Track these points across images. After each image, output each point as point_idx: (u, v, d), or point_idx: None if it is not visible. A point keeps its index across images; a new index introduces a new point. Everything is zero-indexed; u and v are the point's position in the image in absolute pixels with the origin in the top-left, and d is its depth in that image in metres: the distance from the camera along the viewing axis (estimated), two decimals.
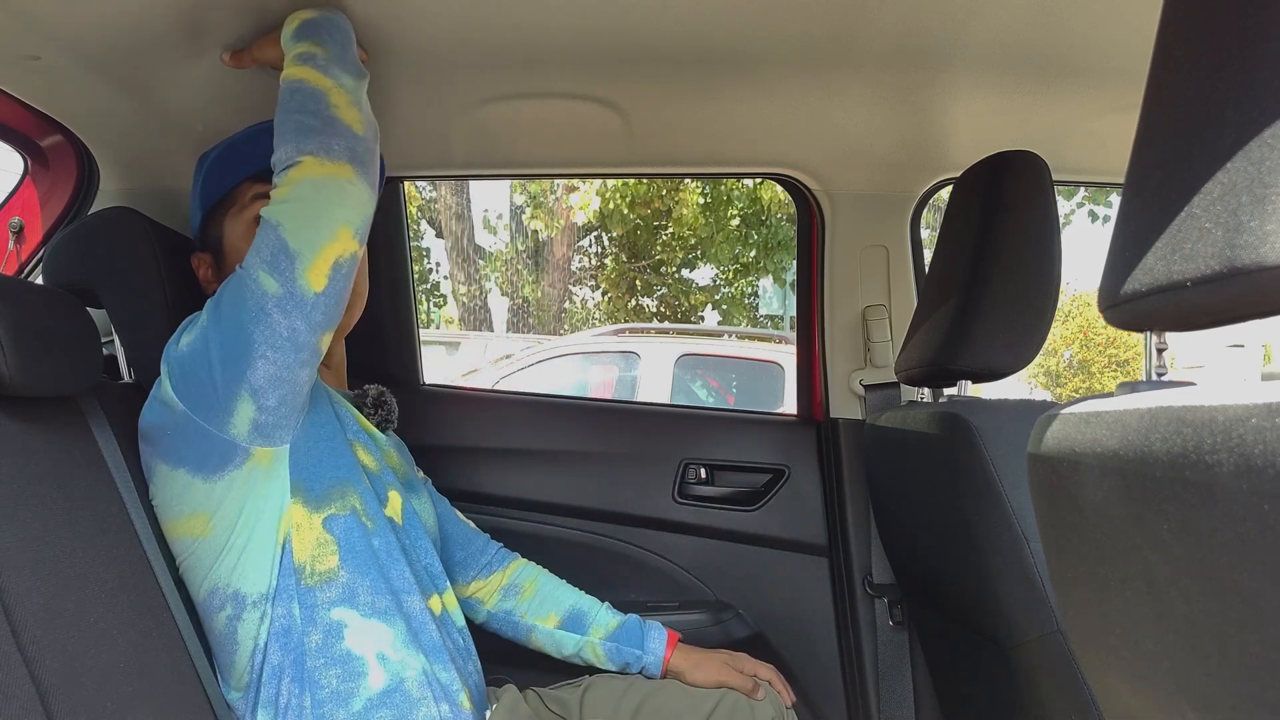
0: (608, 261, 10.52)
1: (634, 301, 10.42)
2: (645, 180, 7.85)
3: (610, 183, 7.90)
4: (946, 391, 1.34)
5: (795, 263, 1.79)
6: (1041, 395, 11.30)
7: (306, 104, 0.93)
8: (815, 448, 1.66)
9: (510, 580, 1.28)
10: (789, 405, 3.23)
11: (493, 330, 10.20)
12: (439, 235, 10.19)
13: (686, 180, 7.85)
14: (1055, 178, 1.13)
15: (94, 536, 0.87)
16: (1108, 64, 1.22)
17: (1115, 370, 13.85)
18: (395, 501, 1.05)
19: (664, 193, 8.23)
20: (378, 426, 1.12)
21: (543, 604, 1.26)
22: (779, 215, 8.14)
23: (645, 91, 1.31)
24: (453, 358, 7.89)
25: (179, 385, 0.92)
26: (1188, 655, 0.46)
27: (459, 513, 1.32)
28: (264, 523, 0.94)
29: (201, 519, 0.94)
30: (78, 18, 1.01)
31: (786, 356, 4.65)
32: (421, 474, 1.25)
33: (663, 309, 10.46)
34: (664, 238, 9.46)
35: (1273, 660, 0.39)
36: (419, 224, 10.60)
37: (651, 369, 4.94)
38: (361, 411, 1.10)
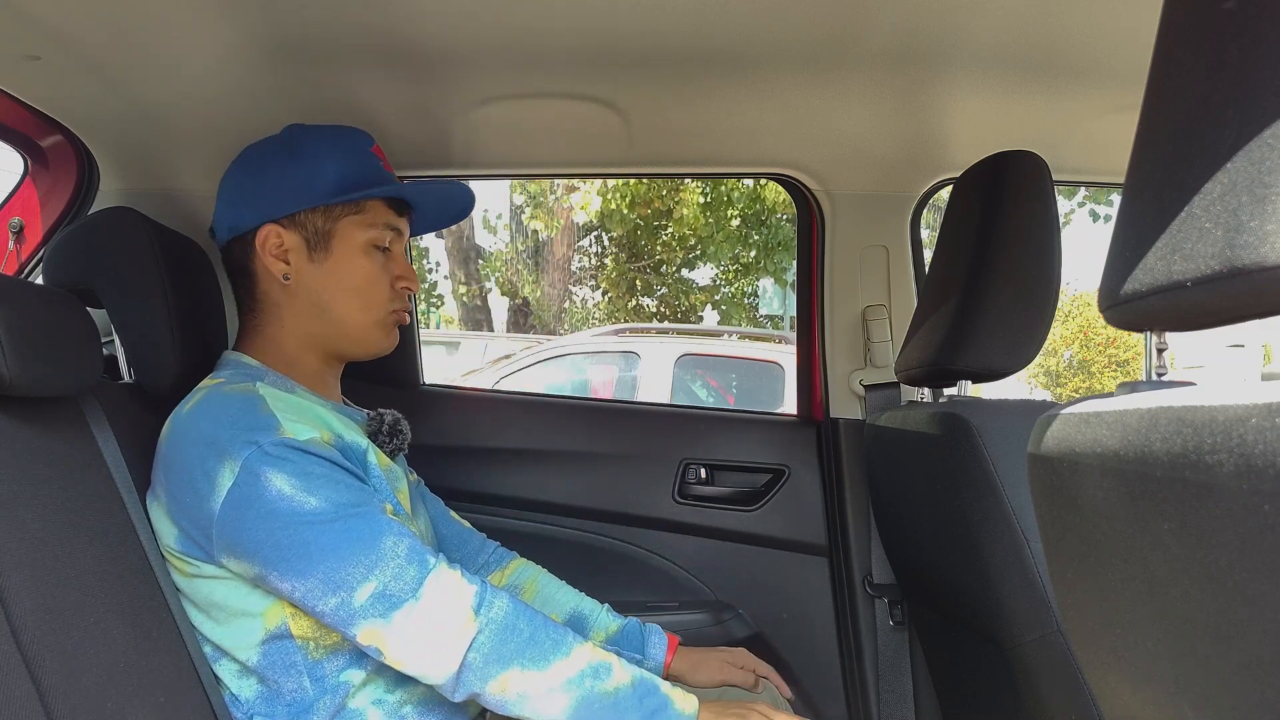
0: (608, 261, 10.51)
1: (634, 301, 10.41)
2: (645, 180, 7.84)
3: (610, 183, 7.90)
4: (946, 391, 1.34)
5: (795, 263, 1.79)
6: (1041, 395, 11.29)
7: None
8: (815, 448, 1.66)
9: (510, 580, 1.28)
10: (789, 405, 3.23)
11: (493, 330, 10.19)
12: (438, 235, 10.18)
13: (686, 180, 7.85)
14: (1055, 178, 1.13)
15: (94, 536, 0.87)
16: (1108, 64, 1.22)
17: (1115, 370, 13.84)
18: None
19: (664, 193, 8.22)
20: (390, 455, 1.08)
21: (543, 606, 1.25)
22: (779, 215, 8.13)
23: (645, 91, 1.31)
24: (453, 358, 7.89)
25: (204, 533, 0.90)
26: (1188, 655, 0.46)
27: (453, 513, 1.31)
28: (249, 610, 0.93)
29: (187, 565, 0.94)
30: (78, 18, 1.01)
31: (786, 356, 4.65)
32: (414, 476, 1.25)
33: (663, 309, 10.45)
34: (664, 238, 9.45)
35: (1273, 660, 0.39)
36: None
37: (651, 369, 4.94)
38: (375, 441, 1.06)
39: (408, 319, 1.12)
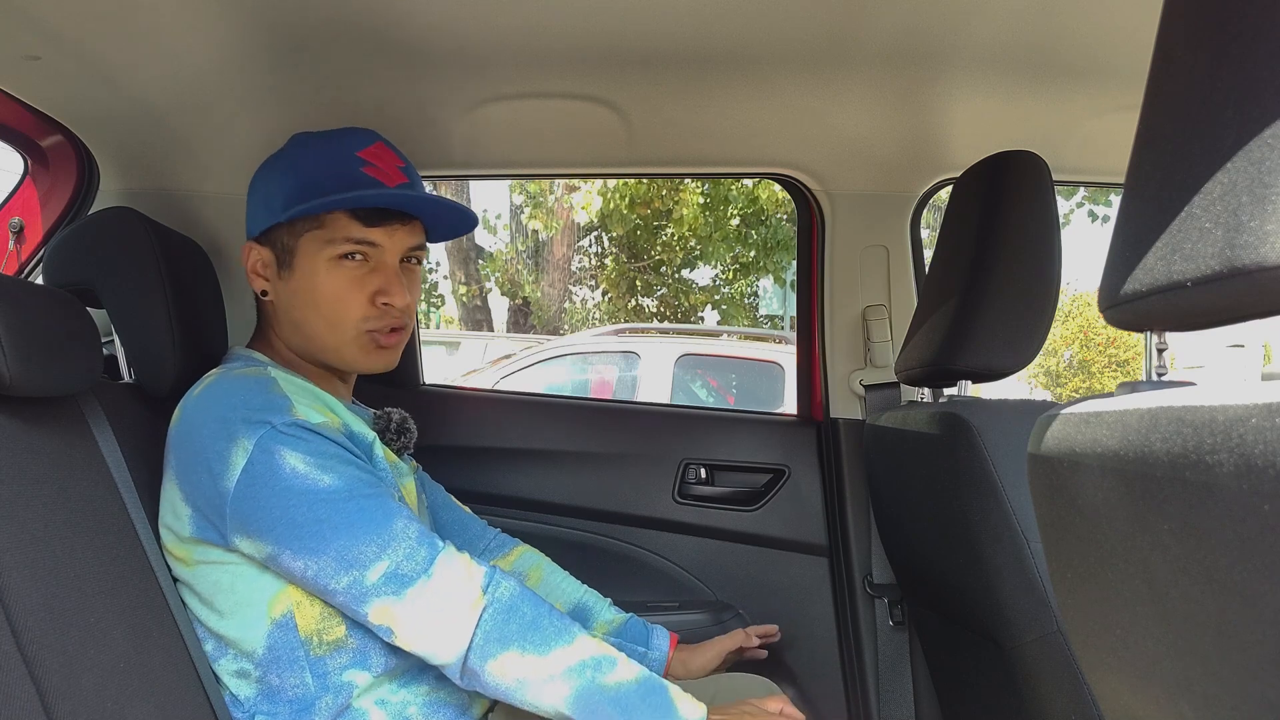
0: (608, 261, 10.51)
1: (634, 301, 10.41)
2: (645, 180, 7.84)
3: (610, 182, 7.90)
4: (947, 391, 1.34)
5: (795, 263, 1.79)
6: (1041, 395, 11.29)
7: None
8: (815, 448, 1.66)
9: (513, 568, 1.27)
10: (789, 405, 3.23)
11: (493, 330, 10.19)
12: None
13: (686, 180, 7.85)
14: (1055, 178, 1.13)
15: (94, 536, 0.87)
16: (1108, 64, 1.22)
17: (1115, 370, 13.84)
18: None
19: (664, 193, 8.22)
20: (396, 453, 1.09)
21: (547, 595, 1.24)
22: (779, 215, 8.14)
23: (645, 91, 1.31)
24: (453, 358, 7.90)
25: (218, 514, 0.90)
26: (1188, 655, 0.46)
27: (453, 498, 1.31)
28: (256, 598, 0.93)
29: (195, 551, 0.94)
30: (78, 18, 1.01)
31: (786, 356, 4.65)
32: (415, 465, 1.23)
33: (663, 309, 10.45)
34: (664, 238, 9.45)
35: (1273, 660, 0.39)
36: None
37: (651, 369, 4.94)
38: (383, 438, 1.07)
39: (398, 338, 1.04)
